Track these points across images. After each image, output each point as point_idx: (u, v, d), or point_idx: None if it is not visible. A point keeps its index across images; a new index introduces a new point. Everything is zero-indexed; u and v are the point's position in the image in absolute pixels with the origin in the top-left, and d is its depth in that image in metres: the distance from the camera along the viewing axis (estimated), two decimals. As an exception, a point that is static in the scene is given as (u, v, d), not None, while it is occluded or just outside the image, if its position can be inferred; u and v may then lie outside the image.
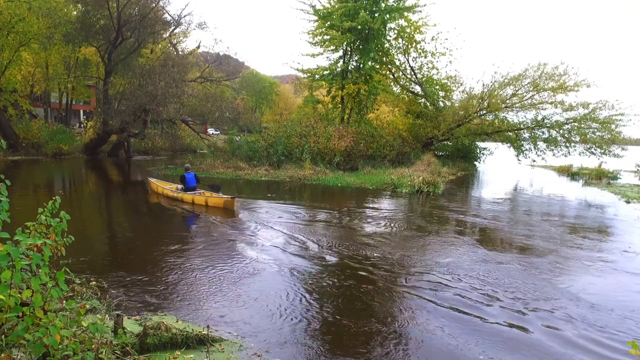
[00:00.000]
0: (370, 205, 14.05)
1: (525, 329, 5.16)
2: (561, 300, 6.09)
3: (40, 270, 3.46)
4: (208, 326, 4.00)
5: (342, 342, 4.69)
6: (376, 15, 25.40)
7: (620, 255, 8.75)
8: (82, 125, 42.77)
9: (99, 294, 5.50)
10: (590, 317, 5.56)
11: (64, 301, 4.34)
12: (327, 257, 7.89)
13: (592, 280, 7.13)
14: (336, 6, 25.91)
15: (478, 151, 33.84)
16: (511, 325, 5.23)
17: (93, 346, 3.58)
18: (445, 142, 31.06)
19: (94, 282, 5.82)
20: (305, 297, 5.90)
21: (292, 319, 5.16)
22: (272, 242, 8.69)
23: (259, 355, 4.17)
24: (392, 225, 11.01)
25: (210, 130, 44.39)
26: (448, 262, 7.76)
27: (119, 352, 3.76)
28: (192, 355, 4.05)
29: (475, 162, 33.41)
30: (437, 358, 4.45)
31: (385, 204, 14.48)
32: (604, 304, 6.02)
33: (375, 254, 8.16)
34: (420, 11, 26.57)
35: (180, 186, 13.64)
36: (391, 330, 5.00)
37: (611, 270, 7.71)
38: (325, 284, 6.50)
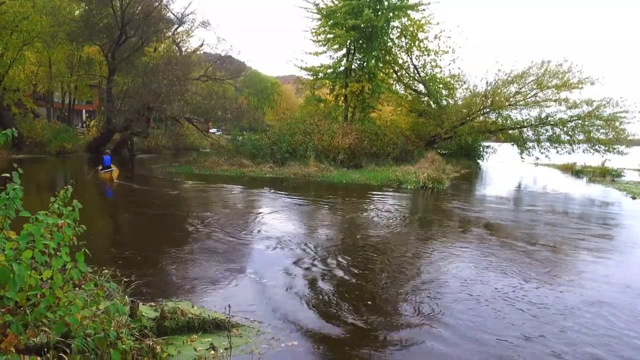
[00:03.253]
0: (377, 200, 14.00)
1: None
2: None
3: (60, 250, 3.44)
4: (229, 306, 3.97)
5: (354, 329, 4.66)
6: (380, 13, 25.40)
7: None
8: (84, 125, 42.77)
9: (112, 281, 5.47)
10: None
11: (81, 285, 4.35)
12: (339, 249, 7.86)
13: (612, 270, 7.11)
14: (340, 4, 25.92)
15: (481, 149, 33.79)
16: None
17: (112, 328, 3.56)
18: (449, 141, 30.97)
19: (106, 270, 5.80)
20: (318, 284, 5.88)
21: (305, 305, 5.14)
22: (281, 231, 8.66)
23: (277, 340, 4.15)
24: (403, 220, 10.98)
25: (212, 130, 44.36)
26: (463, 260, 7.74)
27: (137, 334, 3.74)
28: (209, 339, 4.04)
29: (479, 160, 33.35)
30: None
31: (392, 199, 14.43)
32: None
33: (387, 248, 8.14)
34: (424, 9, 26.59)
35: (100, 167, 17.55)
36: (399, 328, 4.98)
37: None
38: (337, 272, 6.46)
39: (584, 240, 9.23)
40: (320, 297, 5.46)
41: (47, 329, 3.17)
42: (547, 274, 6.70)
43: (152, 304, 4.87)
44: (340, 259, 7.18)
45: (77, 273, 3.45)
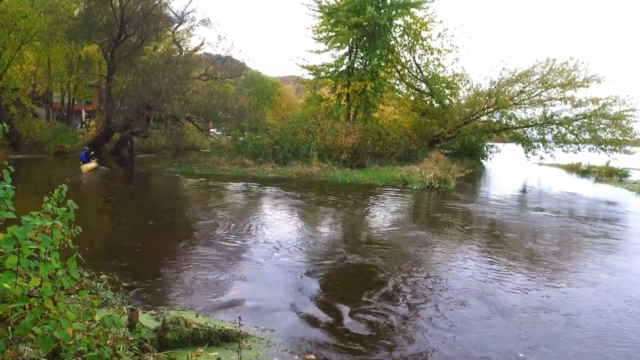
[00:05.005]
0: (385, 201, 13.63)
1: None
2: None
3: (49, 256, 3.07)
4: (240, 318, 3.60)
5: (367, 337, 4.30)
6: (382, 11, 25.03)
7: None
8: (83, 126, 42.39)
9: (110, 287, 5.11)
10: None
11: (75, 293, 3.98)
12: (348, 254, 7.49)
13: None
14: (342, 2, 25.56)
15: (485, 149, 33.41)
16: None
17: (108, 342, 3.18)
18: (452, 140, 30.55)
19: (104, 276, 5.43)
20: (329, 293, 5.51)
21: (321, 313, 4.77)
22: (290, 236, 8.30)
23: (290, 352, 3.78)
24: (418, 223, 10.61)
25: (213, 130, 43.87)
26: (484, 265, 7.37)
27: (136, 349, 3.37)
28: (216, 353, 3.66)
29: (482, 160, 32.97)
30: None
31: (400, 200, 14.05)
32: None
33: (397, 254, 7.77)
34: (427, 7, 26.23)
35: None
36: (413, 334, 4.61)
37: None
38: (348, 279, 6.11)
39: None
40: (336, 308, 5.08)
41: (31, 347, 2.78)
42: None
43: (153, 312, 4.50)
44: (350, 269, 6.81)
45: (69, 281, 3.08)
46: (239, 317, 3.68)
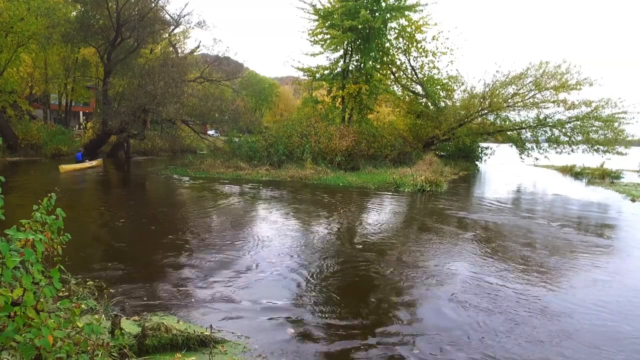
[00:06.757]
0: (374, 205, 13.83)
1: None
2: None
3: (32, 267, 3.26)
4: (211, 326, 3.80)
5: (345, 348, 4.49)
6: (377, 14, 25.25)
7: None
8: (81, 127, 42.56)
9: (97, 293, 5.30)
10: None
11: (58, 301, 4.16)
12: (334, 260, 7.69)
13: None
14: (337, 5, 25.77)
15: (480, 151, 33.66)
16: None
17: (88, 348, 3.37)
18: (447, 142, 30.79)
19: (91, 282, 5.61)
20: (308, 299, 5.70)
21: (295, 321, 4.96)
22: (274, 240, 8.49)
23: (263, 357, 3.97)
24: (403, 229, 10.81)
25: (210, 132, 44.11)
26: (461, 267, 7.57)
27: (115, 354, 3.56)
28: (193, 358, 3.85)
29: (477, 162, 33.21)
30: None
31: (390, 204, 14.26)
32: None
33: (384, 259, 7.97)
34: (422, 10, 26.46)
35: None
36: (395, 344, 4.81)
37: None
38: (330, 286, 6.30)
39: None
40: (315, 315, 5.27)
41: (13, 355, 2.97)
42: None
43: (136, 318, 4.69)
44: (334, 276, 7.00)
45: (51, 290, 3.26)
46: (210, 326, 3.88)
